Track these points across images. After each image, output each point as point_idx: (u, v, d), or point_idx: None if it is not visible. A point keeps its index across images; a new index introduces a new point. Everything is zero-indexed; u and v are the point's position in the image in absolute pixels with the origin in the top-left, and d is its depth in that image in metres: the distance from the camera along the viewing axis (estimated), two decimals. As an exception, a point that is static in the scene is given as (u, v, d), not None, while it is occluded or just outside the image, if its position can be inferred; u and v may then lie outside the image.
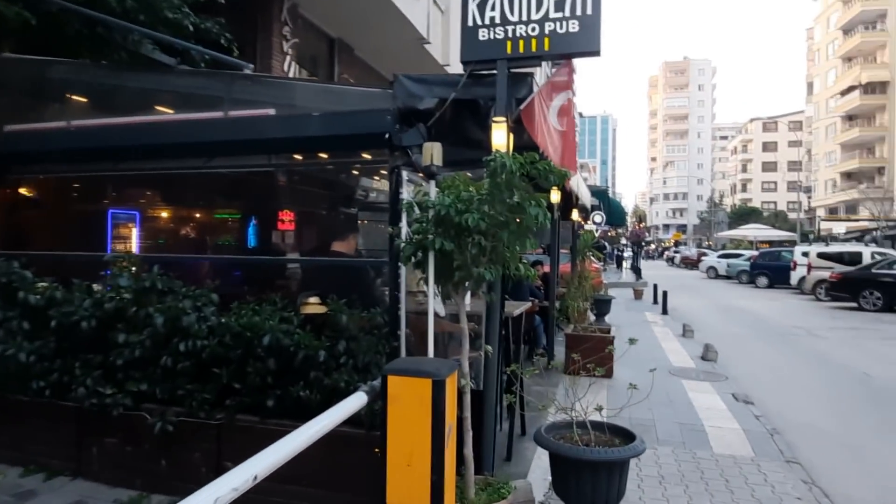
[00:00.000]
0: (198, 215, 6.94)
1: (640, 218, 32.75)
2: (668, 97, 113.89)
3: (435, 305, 3.33)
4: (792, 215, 71.65)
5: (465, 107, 3.82)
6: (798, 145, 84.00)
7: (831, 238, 44.52)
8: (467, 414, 2.99)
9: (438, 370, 2.53)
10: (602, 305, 11.85)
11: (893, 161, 50.26)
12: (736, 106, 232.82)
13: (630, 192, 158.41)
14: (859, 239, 42.47)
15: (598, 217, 14.97)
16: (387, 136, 3.68)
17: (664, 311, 13.99)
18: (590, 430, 3.21)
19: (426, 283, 3.16)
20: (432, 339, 3.26)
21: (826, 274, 18.51)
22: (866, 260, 17.93)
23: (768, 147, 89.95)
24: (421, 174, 3.62)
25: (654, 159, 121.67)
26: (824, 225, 52.77)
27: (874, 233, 35.17)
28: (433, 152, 3.25)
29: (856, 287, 15.63)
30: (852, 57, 58.17)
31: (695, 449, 4.84)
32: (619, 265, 20.59)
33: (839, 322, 13.49)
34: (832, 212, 54.22)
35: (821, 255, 18.91)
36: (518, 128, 3.65)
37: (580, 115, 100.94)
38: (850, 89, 56.71)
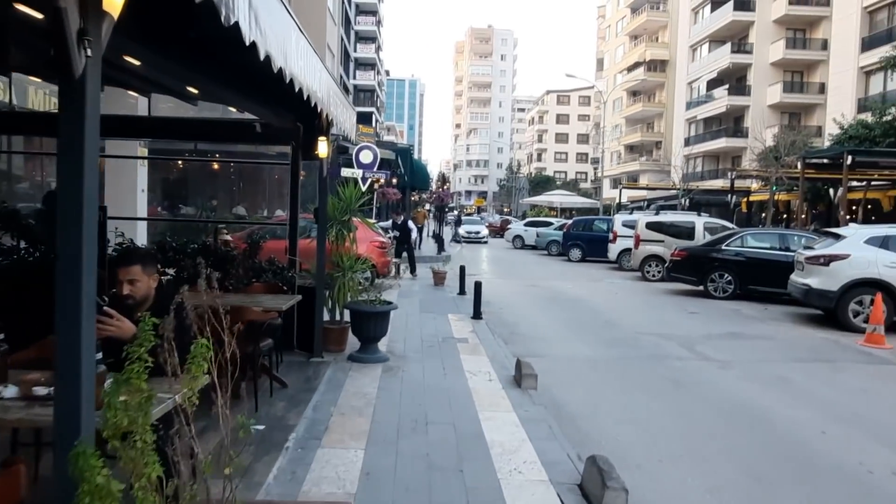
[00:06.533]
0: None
1: (444, 179, 28.56)
2: (473, 64, 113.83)
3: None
4: (583, 185, 75.21)
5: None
6: (587, 119, 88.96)
7: (619, 207, 45.45)
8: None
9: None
10: (372, 324, 6.27)
11: (671, 136, 53.19)
12: (534, 79, 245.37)
13: (436, 159, 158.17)
14: (641, 208, 43.66)
15: (367, 155, 9.32)
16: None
17: (476, 314, 9.00)
18: None
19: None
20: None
21: (657, 249, 15.38)
22: (700, 233, 15.04)
23: (561, 119, 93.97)
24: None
25: (458, 126, 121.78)
26: (609, 194, 54.63)
27: (681, 200, 35.09)
28: None
29: (704, 268, 12.30)
30: (638, 35, 60.69)
31: None
32: (404, 258, 13.69)
33: (705, 323, 9.73)
34: (616, 182, 56.39)
35: (650, 226, 15.71)
36: None
37: (387, 73, 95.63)
38: (636, 66, 59.11)
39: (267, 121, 5.97)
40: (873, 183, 22.02)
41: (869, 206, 24.03)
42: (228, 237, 7.23)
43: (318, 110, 4.29)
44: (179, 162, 17.26)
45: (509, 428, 4.46)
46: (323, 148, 5.88)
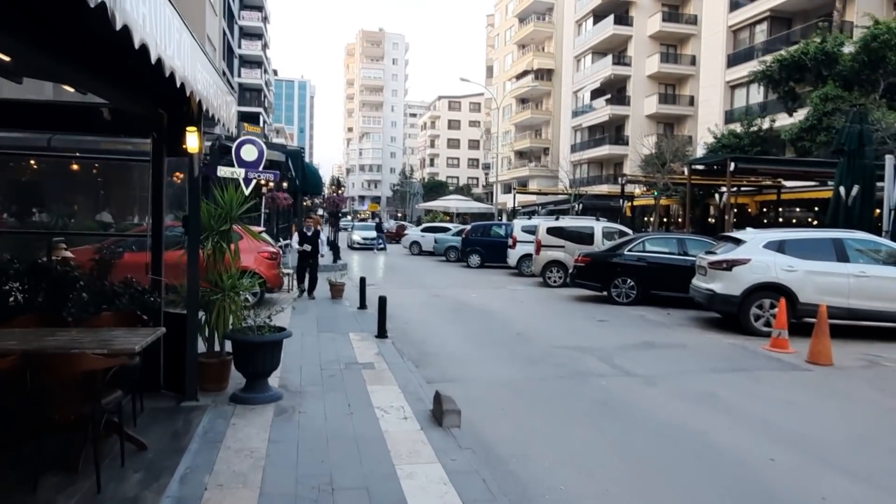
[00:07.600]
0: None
1: (339, 184, 26.95)
2: (364, 67, 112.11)
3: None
4: (475, 190, 76.23)
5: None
6: (478, 125, 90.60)
7: (513, 213, 46.31)
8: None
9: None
10: (260, 357, 5.19)
11: (558, 143, 55.17)
12: (426, 85, 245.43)
13: (328, 164, 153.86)
14: (534, 213, 44.81)
15: (251, 151, 8.16)
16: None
17: (381, 333, 8.10)
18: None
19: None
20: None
21: (559, 254, 15.29)
22: (598, 237, 15.15)
23: (453, 125, 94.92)
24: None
25: (350, 129, 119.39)
26: (501, 198, 55.72)
27: (574, 205, 36.09)
28: None
29: (607, 274, 12.24)
30: (526, 44, 62.52)
31: None
32: (303, 274, 11.29)
33: (616, 332, 9.51)
34: (508, 187, 57.67)
35: (551, 232, 15.59)
36: None
37: (275, 72, 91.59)
38: (524, 74, 60.85)
39: (118, 105, 4.72)
40: (742, 189, 23.76)
41: (735, 210, 25.96)
42: (68, 253, 5.78)
43: (186, 92, 3.23)
44: (32, 161, 14.69)
45: (436, 487, 3.63)
46: (192, 141, 4.74)
